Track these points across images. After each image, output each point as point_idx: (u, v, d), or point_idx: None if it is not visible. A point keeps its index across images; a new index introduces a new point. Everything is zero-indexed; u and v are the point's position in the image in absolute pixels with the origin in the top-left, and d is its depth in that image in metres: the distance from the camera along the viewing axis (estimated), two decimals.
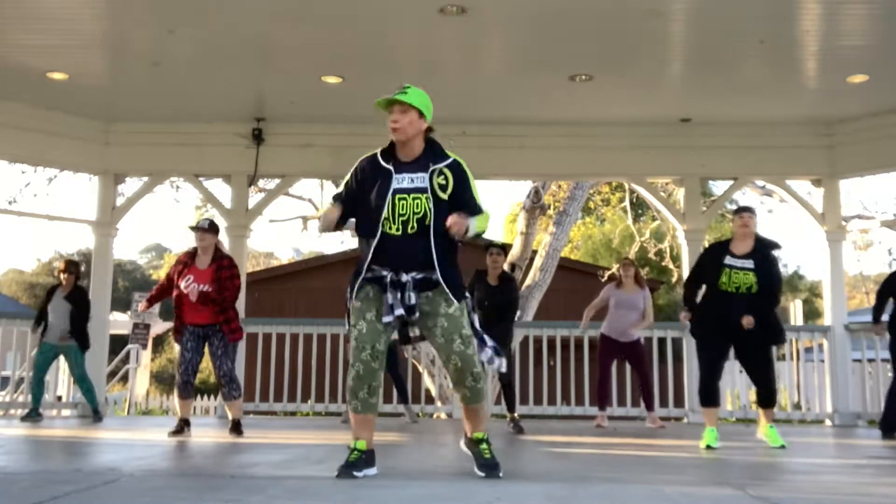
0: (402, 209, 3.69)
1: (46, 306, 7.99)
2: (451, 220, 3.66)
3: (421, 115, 3.80)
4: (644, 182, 9.33)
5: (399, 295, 3.67)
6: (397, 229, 3.69)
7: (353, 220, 3.91)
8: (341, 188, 3.92)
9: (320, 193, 16.01)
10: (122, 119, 8.83)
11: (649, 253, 16.40)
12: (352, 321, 3.77)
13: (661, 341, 9.13)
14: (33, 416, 7.76)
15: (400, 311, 3.66)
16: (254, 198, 9.57)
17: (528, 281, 12.64)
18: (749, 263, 5.48)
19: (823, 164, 8.86)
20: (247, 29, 6.66)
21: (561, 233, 13.01)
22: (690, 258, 8.98)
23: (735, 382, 9.32)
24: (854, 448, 6.36)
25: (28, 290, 35.42)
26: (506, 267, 7.74)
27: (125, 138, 8.94)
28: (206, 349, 6.16)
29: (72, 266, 8.17)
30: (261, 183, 11.16)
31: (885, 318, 7.16)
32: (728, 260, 5.52)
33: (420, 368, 12.29)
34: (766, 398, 5.65)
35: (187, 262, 6.19)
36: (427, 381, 12.15)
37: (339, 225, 3.88)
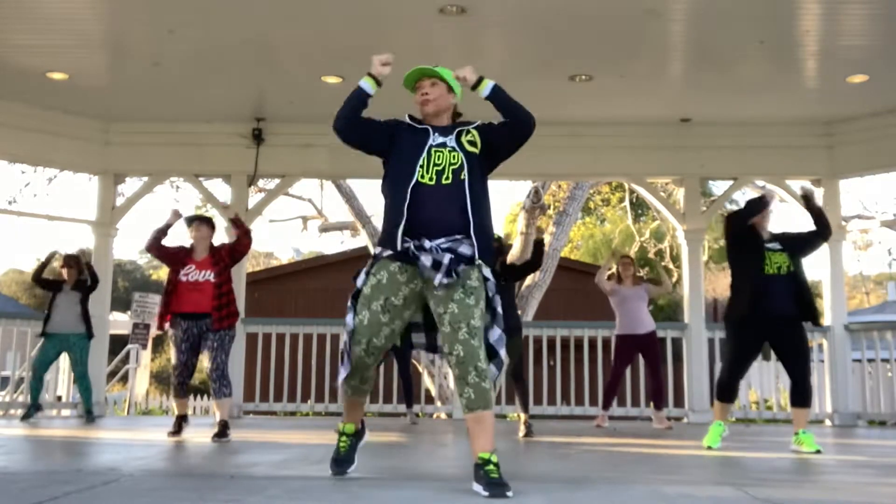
0: (438, 159, 3.62)
1: (53, 302, 7.99)
2: (462, 71, 3.73)
3: (450, 90, 3.78)
4: (644, 182, 9.33)
5: (432, 261, 3.44)
6: (430, 178, 3.58)
7: (365, 139, 3.78)
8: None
9: (320, 193, 16.06)
10: (122, 119, 8.83)
11: (649, 253, 16.41)
12: (357, 308, 3.57)
13: (661, 341, 9.11)
14: (32, 412, 7.75)
15: (448, 259, 3.41)
16: (254, 198, 9.58)
17: (528, 281, 12.65)
18: (776, 245, 5.47)
19: (823, 164, 8.87)
20: (247, 29, 6.66)
21: (561, 233, 13.03)
22: (690, 258, 9.00)
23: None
24: (854, 448, 6.35)
25: (28, 290, 35.32)
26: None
27: (125, 138, 8.95)
28: (201, 344, 6.01)
29: (72, 260, 8.17)
30: (261, 183, 11.18)
31: None
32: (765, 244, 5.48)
33: (420, 368, 12.30)
34: (802, 395, 5.40)
35: (184, 259, 6.10)
36: (427, 382, 12.16)
37: (358, 122, 3.74)
